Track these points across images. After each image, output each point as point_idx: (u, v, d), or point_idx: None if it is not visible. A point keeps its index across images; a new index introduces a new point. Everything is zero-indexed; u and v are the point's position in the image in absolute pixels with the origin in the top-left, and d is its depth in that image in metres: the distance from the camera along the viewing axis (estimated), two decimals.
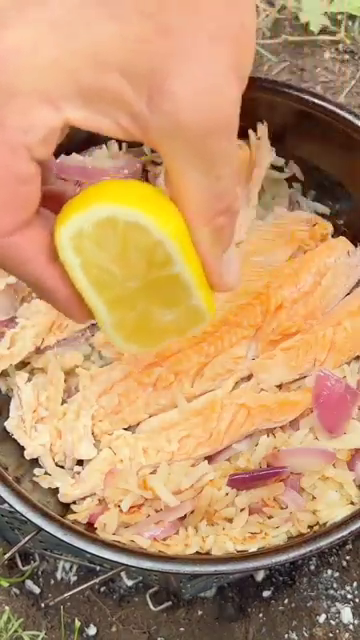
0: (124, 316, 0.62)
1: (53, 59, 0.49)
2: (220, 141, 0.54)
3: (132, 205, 0.55)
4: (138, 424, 0.90)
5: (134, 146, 1.04)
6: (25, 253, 0.57)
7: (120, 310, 0.62)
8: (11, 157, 0.51)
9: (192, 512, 0.85)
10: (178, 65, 0.50)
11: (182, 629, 1.06)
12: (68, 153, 1.00)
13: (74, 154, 1.00)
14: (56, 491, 0.87)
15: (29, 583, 1.08)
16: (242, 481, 0.85)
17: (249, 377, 0.92)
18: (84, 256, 0.57)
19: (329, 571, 1.08)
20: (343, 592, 1.07)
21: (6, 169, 0.52)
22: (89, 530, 0.83)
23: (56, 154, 1.03)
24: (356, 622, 1.05)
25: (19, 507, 0.80)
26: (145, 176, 1.04)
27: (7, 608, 1.06)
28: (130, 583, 1.07)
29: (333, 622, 1.05)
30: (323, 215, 1.05)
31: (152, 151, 1.05)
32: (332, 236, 1.03)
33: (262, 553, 0.80)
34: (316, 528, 0.84)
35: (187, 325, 0.65)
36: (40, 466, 0.89)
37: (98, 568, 1.05)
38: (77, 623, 1.05)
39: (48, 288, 0.59)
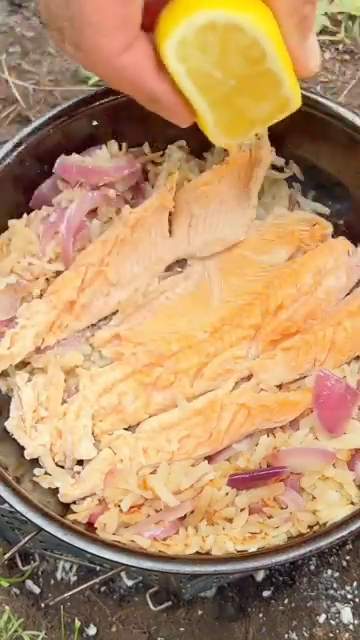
0: (225, 113, 0.69)
1: None
2: None
3: (229, 8, 0.61)
4: (138, 424, 0.91)
5: (134, 146, 1.04)
6: (138, 68, 0.64)
7: (222, 108, 0.68)
8: None
9: (192, 512, 0.85)
10: None
11: (182, 629, 1.06)
12: (68, 153, 1.00)
13: (74, 154, 1.00)
14: (56, 491, 0.87)
15: (29, 583, 1.08)
16: (242, 481, 0.85)
17: (249, 377, 0.92)
18: (188, 62, 0.63)
19: (329, 571, 1.08)
20: (343, 592, 1.07)
21: None
22: (89, 530, 0.83)
23: (56, 154, 1.04)
24: (356, 622, 1.05)
25: (19, 507, 0.80)
26: (145, 176, 1.04)
27: (7, 608, 1.06)
28: (130, 583, 1.07)
29: (333, 622, 1.05)
30: (323, 215, 1.05)
31: (152, 151, 1.05)
32: (332, 236, 1.03)
33: (262, 553, 0.80)
34: (316, 528, 0.84)
35: (277, 114, 0.72)
36: (40, 466, 0.89)
37: (98, 568, 1.05)
38: (77, 623, 1.05)
39: (160, 97, 0.67)
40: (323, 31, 1.45)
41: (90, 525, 0.85)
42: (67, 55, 0.67)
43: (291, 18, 0.65)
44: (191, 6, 0.62)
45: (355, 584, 1.07)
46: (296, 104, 0.72)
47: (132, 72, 0.65)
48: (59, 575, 1.09)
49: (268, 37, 0.64)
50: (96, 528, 0.84)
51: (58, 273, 0.97)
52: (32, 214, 1.01)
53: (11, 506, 0.80)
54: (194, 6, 0.61)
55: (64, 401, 0.91)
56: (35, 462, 0.89)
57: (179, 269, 1.01)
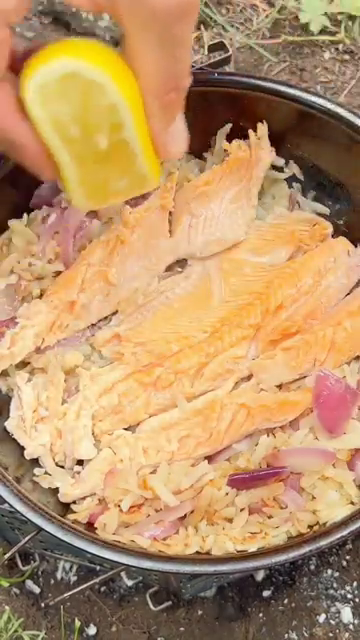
0: (86, 174, 0.67)
1: None
2: (184, 26, 0.58)
3: (95, 64, 0.59)
4: (138, 424, 0.91)
5: None
6: None
7: (83, 168, 0.66)
8: None
9: (192, 512, 0.85)
10: None
11: (182, 629, 1.06)
12: None
13: None
14: (56, 491, 0.87)
15: (29, 583, 1.08)
16: (242, 481, 0.85)
17: (249, 377, 0.92)
18: (50, 110, 0.61)
19: (329, 571, 1.08)
20: (343, 592, 1.07)
21: None
22: (89, 530, 0.83)
23: None
24: (356, 622, 1.05)
25: (19, 507, 0.80)
26: None
27: (7, 608, 1.06)
28: (130, 583, 1.07)
29: (333, 622, 1.05)
30: (323, 215, 1.05)
31: None
32: (332, 236, 1.03)
33: (262, 553, 0.80)
34: (316, 528, 0.84)
35: (135, 188, 0.71)
36: (40, 466, 0.89)
37: (98, 568, 1.05)
38: (77, 623, 1.05)
39: (21, 144, 0.63)
40: (323, 31, 1.45)
41: (90, 525, 0.85)
42: None
43: (155, 100, 0.62)
44: (57, 52, 0.60)
45: (355, 584, 1.07)
46: (153, 184, 0.70)
47: None
48: (59, 575, 1.09)
49: (128, 108, 0.61)
50: (96, 528, 0.84)
51: (58, 273, 0.97)
52: (32, 214, 1.01)
53: (11, 506, 0.80)
54: (60, 52, 0.60)
55: (64, 401, 0.91)
56: (35, 462, 0.89)
57: (179, 269, 1.01)
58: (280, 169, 1.06)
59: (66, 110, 0.61)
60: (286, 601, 1.07)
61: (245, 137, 1.01)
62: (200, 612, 1.07)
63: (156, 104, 0.62)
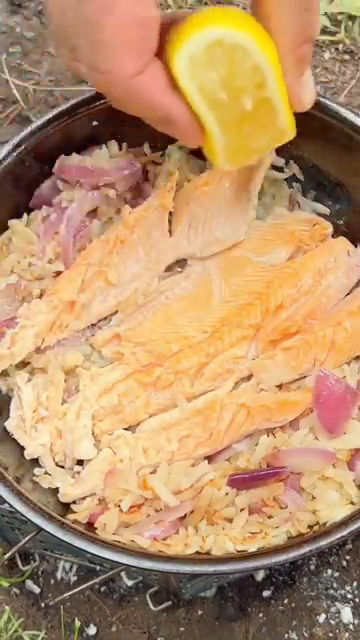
0: (231, 137, 0.73)
1: None
2: None
3: (237, 28, 0.65)
4: (138, 424, 0.91)
5: (134, 146, 1.04)
6: (152, 88, 0.66)
7: (229, 131, 0.72)
8: (137, 4, 0.61)
9: (192, 512, 0.85)
10: None
11: (182, 629, 1.06)
12: (68, 153, 1.00)
13: (74, 154, 1.00)
14: (56, 491, 0.87)
15: (29, 583, 1.08)
16: (242, 481, 0.85)
17: (249, 377, 0.92)
18: (198, 80, 0.66)
19: (329, 571, 1.08)
20: (343, 592, 1.07)
21: (134, 15, 0.61)
22: (89, 530, 0.83)
23: (56, 154, 1.04)
24: (356, 622, 1.05)
25: (19, 507, 0.80)
26: (145, 176, 1.04)
27: (7, 608, 1.06)
28: (130, 583, 1.07)
29: (333, 622, 1.05)
30: (323, 215, 1.05)
31: (152, 151, 1.05)
32: (332, 236, 1.03)
33: (262, 553, 0.80)
34: (316, 528, 0.84)
35: (273, 143, 0.78)
36: (40, 466, 0.89)
37: (98, 568, 1.05)
38: (77, 623, 1.05)
39: (174, 116, 0.69)
40: (323, 31, 1.45)
41: (90, 525, 0.85)
42: (77, 75, 0.67)
43: (291, 54, 0.68)
44: (200, 23, 0.65)
45: (355, 584, 1.07)
46: (290, 135, 0.76)
47: (146, 93, 0.66)
48: (59, 575, 1.09)
49: (270, 64, 0.67)
50: (96, 528, 0.84)
51: (58, 273, 0.97)
52: (32, 214, 1.01)
53: (11, 506, 0.80)
54: (203, 23, 0.65)
55: (64, 401, 0.91)
56: (35, 462, 0.89)
57: (179, 269, 1.01)
58: (280, 169, 1.06)
59: (214, 77, 0.66)
60: (286, 601, 1.07)
61: None
62: (200, 612, 1.07)
63: (291, 58, 0.68)
